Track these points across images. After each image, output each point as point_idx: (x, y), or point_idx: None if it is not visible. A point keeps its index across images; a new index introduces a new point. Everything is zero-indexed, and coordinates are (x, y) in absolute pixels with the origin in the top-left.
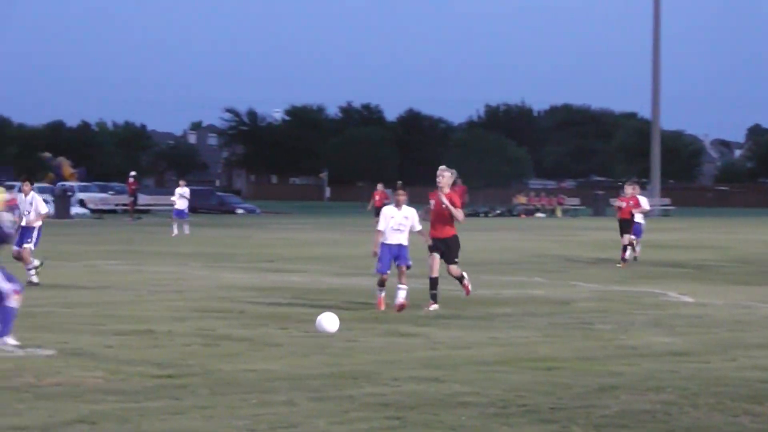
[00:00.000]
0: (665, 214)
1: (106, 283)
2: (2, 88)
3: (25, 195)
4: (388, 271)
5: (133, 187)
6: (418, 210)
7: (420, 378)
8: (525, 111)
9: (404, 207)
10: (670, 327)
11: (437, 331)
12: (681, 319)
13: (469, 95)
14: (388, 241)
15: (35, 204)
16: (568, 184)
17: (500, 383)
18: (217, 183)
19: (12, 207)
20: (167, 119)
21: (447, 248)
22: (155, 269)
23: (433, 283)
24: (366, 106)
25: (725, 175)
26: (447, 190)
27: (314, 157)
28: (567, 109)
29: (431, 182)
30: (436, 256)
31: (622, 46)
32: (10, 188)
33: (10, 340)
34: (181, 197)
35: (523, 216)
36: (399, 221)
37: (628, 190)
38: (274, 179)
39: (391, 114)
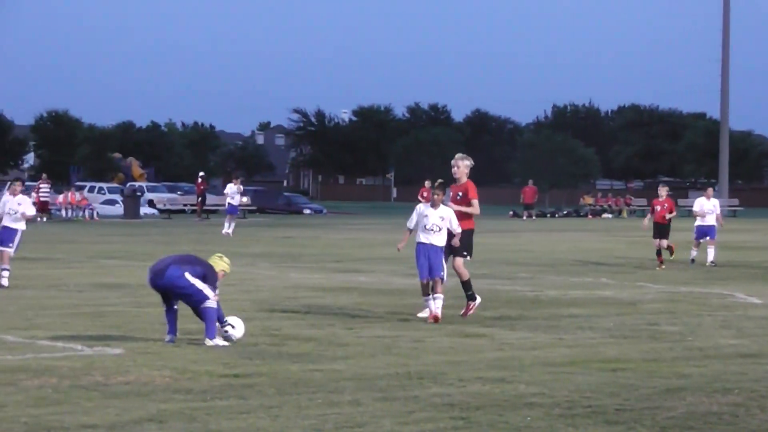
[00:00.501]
0: (733, 214)
1: None
2: (74, 90)
3: (14, 195)
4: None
5: (201, 187)
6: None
7: (486, 379)
8: (592, 111)
9: (441, 207)
10: (739, 329)
11: (503, 332)
12: (749, 321)
13: (536, 95)
14: (422, 240)
15: (23, 205)
16: (636, 184)
17: (566, 384)
18: (285, 183)
19: None
20: (235, 120)
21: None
22: None
23: (466, 285)
24: (433, 107)
25: None
26: (464, 179)
27: (381, 157)
28: (635, 109)
29: (500, 183)
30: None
31: (690, 45)
32: (80, 188)
33: None
34: (236, 194)
35: (590, 217)
36: (434, 221)
37: (662, 192)
38: (341, 180)
39: (459, 114)
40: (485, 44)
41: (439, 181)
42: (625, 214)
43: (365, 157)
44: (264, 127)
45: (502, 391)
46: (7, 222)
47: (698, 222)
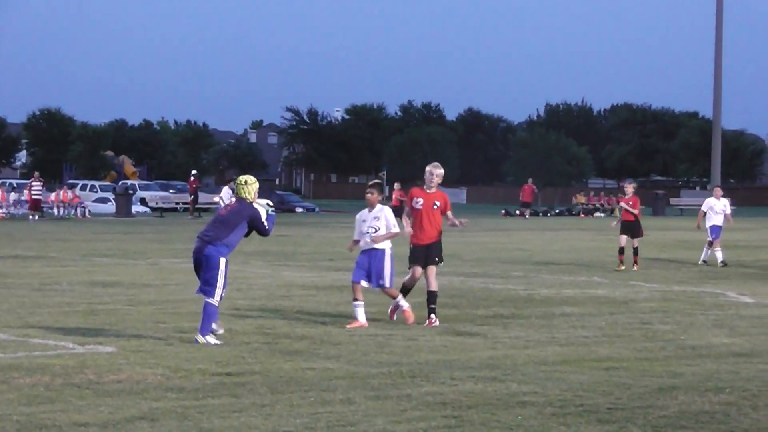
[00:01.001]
0: None
1: (167, 281)
2: (66, 87)
3: None
4: (363, 282)
5: (194, 185)
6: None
7: (478, 377)
8: (585, 110)
9: (377, 206)
10: (731, 327)
11: (497, 330)
12: (742, 320)
13: (529, 94)
14: (364, 248)
15: None
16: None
17: (559, 383)
18: (277, 182)
19: None
20: (228, 118)
21: (427, 253)
22: None
23: (432, 297)
24: (426, 105)
25: None
26: (435, 188)
27: (374, 156)
28: (628, 108)
29: (493, 181)
30: (419, 268)
31: (683, 44)
32: (72, 186)
33: None
34: (227, 196)
35: (583, 215)
36: (370, 223)
37: (629, 190)
38: (334, 178)
39: (452, 113)
40: (478, 43)
41: (375, 180)
42: (617, 213)
43: (358, 156)
44: (257, 125)
45: (494, 389)
46: None
47: (712, 222)
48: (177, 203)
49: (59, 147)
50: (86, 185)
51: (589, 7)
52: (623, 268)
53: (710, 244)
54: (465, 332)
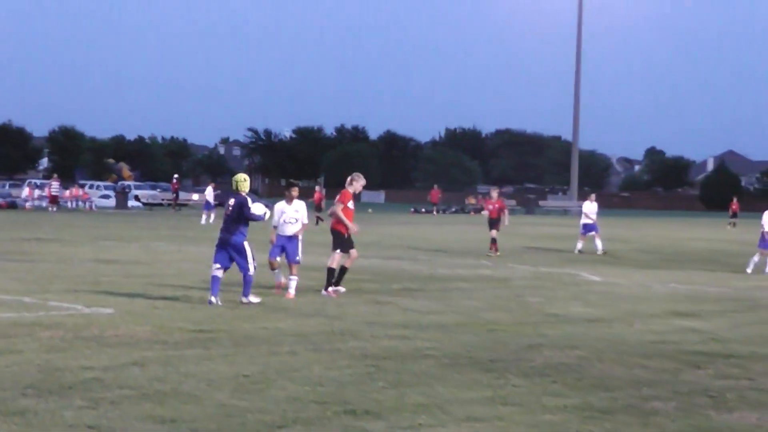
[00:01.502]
0: (581, 213)
1: (155, 260)
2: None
3: None
4: (278, 258)
5: (175, 186)
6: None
7: (392, 336)
8: (476, 133)
9: (295, 202)
10: (584, 300)
11: (407, 300)
12: (593, 294)
13: (433, 120)
14: (281, 233)
15: None
16: (507, 189)
17: (454, 341)
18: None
19: None
20: (203, 134)
21: (353, 240)
22: (192, 249)
23: (330, 273)
24: (355, 127)
25: (627, 184)
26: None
27: (315, 166)
28: (508, 132)
29: (407, 187)
30: (354, 251)
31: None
32: (82, 186)
33: None
34: (210, 194)
35: (473, 213)
36: (290, 215)
37: (494, 194)
38: (283, 182)
39: (374, 134)
40: (395, 78)
41: (290, 180)
42: (506, 212)
43: (302, 166)
44: (225, 141)
45: (404, 345)
46: None
47: (584, 220)
48: (163, 200)
49: (73, 155)
50: (93, 185)
51: (480, 48)
52: (499, 253)
53: (584, 237)
54: (383, 301)
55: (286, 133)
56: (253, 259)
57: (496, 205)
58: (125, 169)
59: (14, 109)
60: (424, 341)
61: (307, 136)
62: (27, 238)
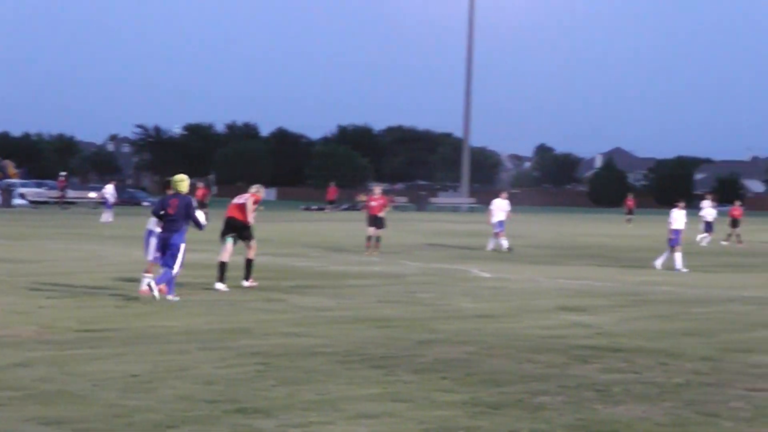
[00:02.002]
0: (472, 210)
1: (42, 258)
2: None
3: None
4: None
5: (62, 184)
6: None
7: (284, 333)
8: (367, 130)
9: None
10: (475, 296)
11: (299, 297)
12: (483, 290)
13: (325, 116)
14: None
15: None
16: (399, 186)
17: (345, 338)
18: (129, 182)
19: None
20: (91, 131)
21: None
22: (80, 247)
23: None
24: (246, 124)
25: (517, 181)
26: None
27: (206, 163)
28: (400, 129)
29: (298, 184)
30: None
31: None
32: None
33: None
34: (110, 192)
35: (364, 210)
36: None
37: (377, 190)
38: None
39: (266, 130)
40: (285, 75)
41: (166, 179)
42: (389, 208)
43: (193, 163)
44: (113, 137)
45: (296, 343)
46: None
47: (498, 218)
48: (49, 198)
49: None
50: None
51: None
52: (377, 253)
53: (496, 235)
54: (274, 299)
55: (177, 129)
56: (181, 265)
57: (380, 201)
58: (11, 166)
59: None
60: (316, 338)
61: (197, 132)
62: None
